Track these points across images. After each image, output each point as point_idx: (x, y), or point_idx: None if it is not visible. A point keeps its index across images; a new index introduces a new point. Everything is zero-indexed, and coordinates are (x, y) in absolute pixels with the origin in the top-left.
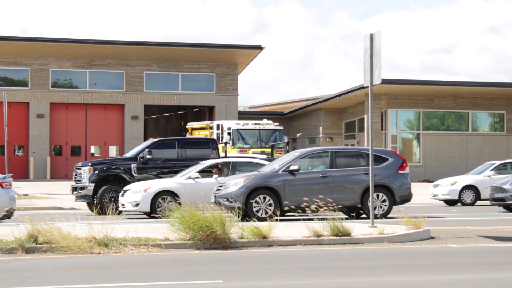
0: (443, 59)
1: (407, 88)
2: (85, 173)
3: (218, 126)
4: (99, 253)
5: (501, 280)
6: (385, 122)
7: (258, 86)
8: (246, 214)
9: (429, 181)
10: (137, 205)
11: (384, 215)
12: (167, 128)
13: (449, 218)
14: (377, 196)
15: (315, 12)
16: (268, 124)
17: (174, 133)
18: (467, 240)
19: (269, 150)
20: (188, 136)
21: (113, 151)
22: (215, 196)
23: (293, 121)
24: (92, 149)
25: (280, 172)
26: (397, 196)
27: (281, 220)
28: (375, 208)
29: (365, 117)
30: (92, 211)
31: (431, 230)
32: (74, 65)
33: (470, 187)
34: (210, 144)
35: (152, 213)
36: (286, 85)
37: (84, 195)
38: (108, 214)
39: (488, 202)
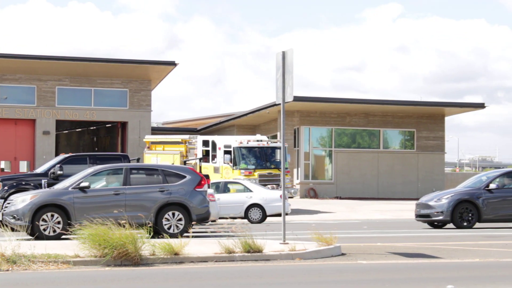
0: (353, 77)
1: (319, 106)
2: None
3: (206, 142)
4: (7, 270)
5: None
6: (298, 139)
7: (170, 102)
8: (33, 233)
9: (340, 198)
10: None
11: (180, 234)
12: (79, 143)
13: (361, 235)
14: (173, 214)
15: (226, 29)
16: (272, 141)
17: (86, 148)
18: (377, 257)
19: (277, 171)
20: (146, 150)
21: (23, 167)
22: (2, 214)
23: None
24: (2, 164)
25: (70, 189)
26: (193, 214)
27: (193, 236)
28: (170, 227)
29: (278, 134)
30: (1, 227)
31: (342, 246)
32: None
33: (257, 206)
34: (122, 160)
35: None
36: (198, 101)
37: None
38: (17, 231)
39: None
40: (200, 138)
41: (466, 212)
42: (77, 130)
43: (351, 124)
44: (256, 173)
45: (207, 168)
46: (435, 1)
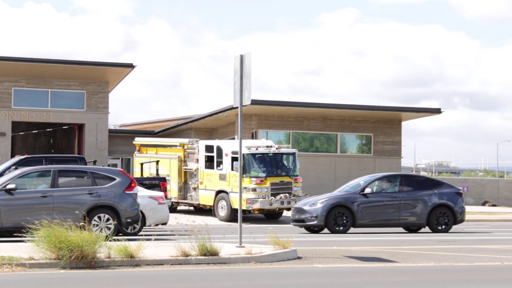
0: (311, 82)
1: (277, 110)
2: None
3: (210, 148)
4: None
5: None
6: None
7: (128, 104)
8: None
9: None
10: None
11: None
12: (35, 145)
13: (317, 239)
14: (102, 217)
15: (184, 32)
16: (281, 146)
17: (42, 150)
18: (333, 261)
19: (288, 179)
20: (136, 153)
21: None
22: None
23: None
24: None
25: None
26: (123, 217)
27: (147, 239)
28: (102, 230)
29: (236, 137)
30: None
31: (298, 250)
32: None
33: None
34: (78, 162)
35: None
36: (156, 103)
37: None
38: None
39: None
40: (203, 143)
41: (340, 217)
42: (34, 131)
43: (309, 128)
44: (268, 181)
45: (211, 175)
46: (392, 6)
